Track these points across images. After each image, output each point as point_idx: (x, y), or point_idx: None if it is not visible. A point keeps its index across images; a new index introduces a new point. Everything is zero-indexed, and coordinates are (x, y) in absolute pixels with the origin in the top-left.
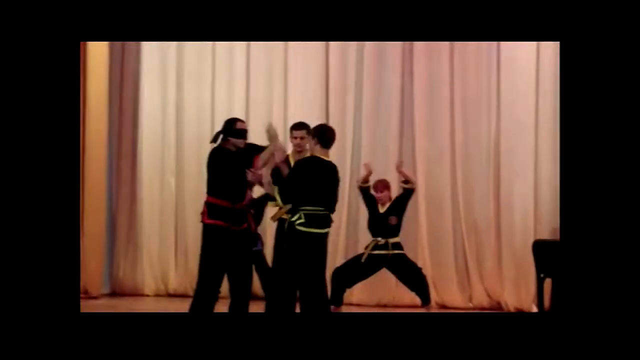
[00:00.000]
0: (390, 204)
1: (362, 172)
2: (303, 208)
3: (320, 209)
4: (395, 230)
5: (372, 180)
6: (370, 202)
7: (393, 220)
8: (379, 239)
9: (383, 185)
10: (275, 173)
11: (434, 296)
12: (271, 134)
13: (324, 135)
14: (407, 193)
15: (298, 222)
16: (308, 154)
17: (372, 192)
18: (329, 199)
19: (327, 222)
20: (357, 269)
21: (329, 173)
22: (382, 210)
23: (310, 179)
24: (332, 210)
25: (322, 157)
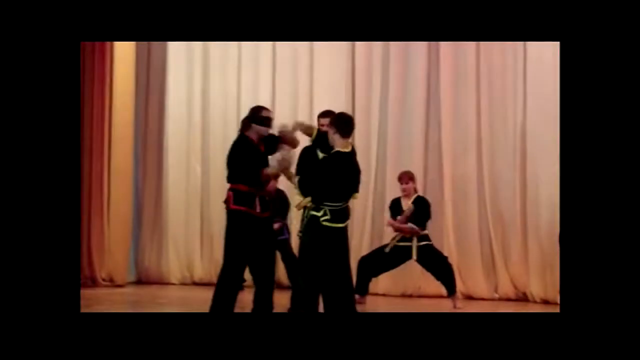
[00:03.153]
0: (411, 214)
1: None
2: (327, 204)
3: (342, 203)
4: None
5: (397, 172)
6: (394, 207)
7: (411, 231)
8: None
9: (408, 177)
10: (300, 165)
11: (459, 286)
12: (305, 127)
13: (344, 124)
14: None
15: (323, 218)
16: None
17: (398, 184)
18: (349, 192)
19: (348, 215)
20: (383, 259)
21: (351, 165)
22: (405, 207)
23: (335, 178)
24: (348, 199)
25: (343, 149)
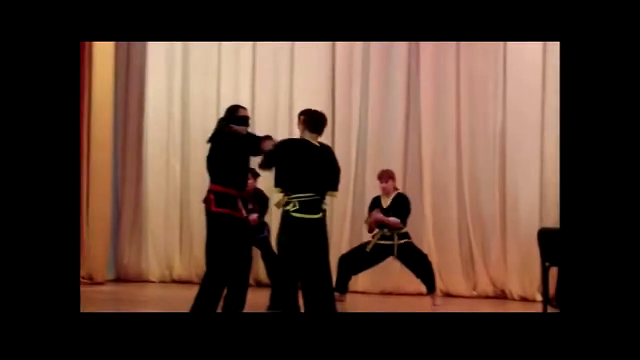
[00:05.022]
0: (391, 203)
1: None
2: (296, 195)
3: (312, 194)
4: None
5: (377, 170)
6: (373, 205)
7: (396, 224)
8: (385, 230)
9: (388, 175)
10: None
11: (439, 284)
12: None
13: (312, 119)
14: (396, 200)
15: (293, 209)
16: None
17: (377, 183)
18: (320, 184)
19: (320, 207)
20: (363, 257)
21: (319, 157)
22: (385, 205)
23: (297, 165)
24: (323, 193)
25: (311, 140)
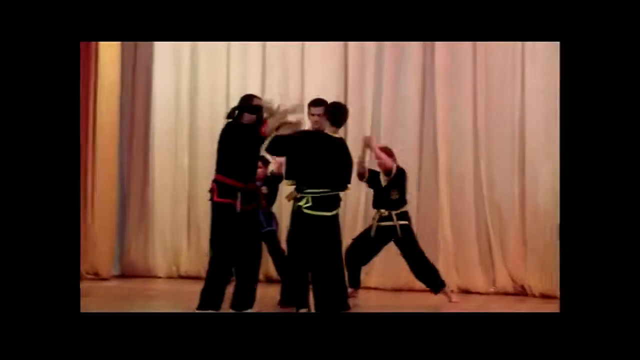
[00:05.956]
0: (390, 180)
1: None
2: (310, 191)
3: (327, 190)
4: (398, 204)
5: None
6: (372, 180)
7: (394, 194)
8: (382, 210)
9: (387, 153)
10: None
11: (456, 280)
12: (266, 106)
13: (337, 114)
14: (397, 176)
15: (305, 205)
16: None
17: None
18: (336, 179)
19: (335, 204)
20: (367, 244)
21: (336, 151)
22: (384, 183)
23: (314, 159)
24: (341, 189)
25: (331, 134)
